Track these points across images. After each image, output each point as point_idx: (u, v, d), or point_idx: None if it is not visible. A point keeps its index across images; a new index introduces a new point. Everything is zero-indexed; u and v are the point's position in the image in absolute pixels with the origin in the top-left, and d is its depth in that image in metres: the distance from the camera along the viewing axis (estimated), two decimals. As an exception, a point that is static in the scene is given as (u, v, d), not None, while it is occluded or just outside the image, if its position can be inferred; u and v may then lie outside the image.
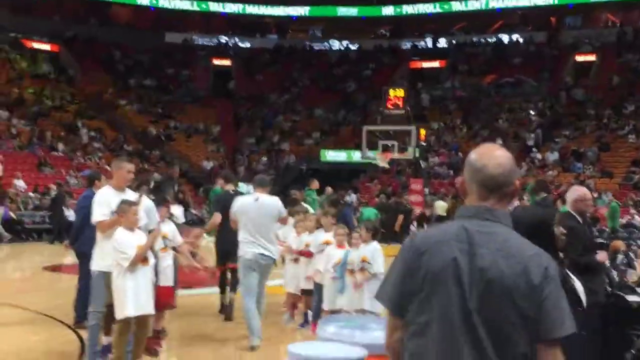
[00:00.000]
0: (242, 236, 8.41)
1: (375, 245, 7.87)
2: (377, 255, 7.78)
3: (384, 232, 22.34)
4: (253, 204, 8.50)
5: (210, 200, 14.92)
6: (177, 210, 10.33)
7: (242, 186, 25.95)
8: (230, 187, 10.39)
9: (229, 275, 9.91)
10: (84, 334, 7.63)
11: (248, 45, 48.29)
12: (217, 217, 9.60)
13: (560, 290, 2.43)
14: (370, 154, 27.32)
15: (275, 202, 8.70)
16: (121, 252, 6.49)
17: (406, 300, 2.54)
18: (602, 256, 6.60)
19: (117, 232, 6.59)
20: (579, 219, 6.63)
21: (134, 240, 6.59)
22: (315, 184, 16.17)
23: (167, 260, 7.80)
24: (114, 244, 6.56)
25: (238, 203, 8.66)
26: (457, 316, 2.42)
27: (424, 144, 29.81)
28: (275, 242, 8.74)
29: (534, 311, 2.37)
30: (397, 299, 2.57)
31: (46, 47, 41.67)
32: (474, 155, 2.62)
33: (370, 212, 21.59)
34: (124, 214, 6.61)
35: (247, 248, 8.34)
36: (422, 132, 28.42)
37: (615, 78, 37.73)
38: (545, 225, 3.59)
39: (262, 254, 8.33)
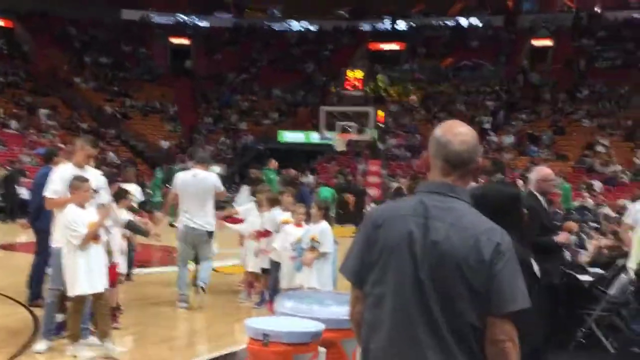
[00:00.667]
0: (180, 209, 9.18)
1: (324, 224, 7.87)
2: (326, 235, 7.79)
3: (341, 213, 22.55)
4: (191, 179, 9.17)
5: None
6: (134, 189, 10.26)
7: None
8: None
9: None
10: (39, 312, 7.54)
11: (207, 24, 47.85)
12: (171, 195, 9.90)
13: (513, 266, 2.45)
14: (328, 135, 27.33)
15: (212, 177, 9.34)
16: (72, 230, 6.43)
17: (365, 273, 2.57)
18: (562, 237, 6.66)
19: (68, 208, 6.52)
20: (541, 199, 6.69)
21: (86, 217, 6.51)
22: (274, 164, 16.22)
23: (114, 236, 7.69)
24: (65, 221, 6.50)
25: (177, 178, 9.35)
26: (409, 287, 2.46)
27: (382, 125, 29.92)
28: (211, 215, 9.19)
29: (482, 285, 2.40)
30: (358, 271, 2.61)
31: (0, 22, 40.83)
32: (439, 131, 2.65)
33: (327, 192, 21.67)
34: (76, 190, 6.53)
35: (181, 220, 9.11)
36: (380, 113, 28.50)
37: (570, 62, 38.23)
38: (515, 201, 3.62)
39: (192, 227, 9.00)
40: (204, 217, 9.09)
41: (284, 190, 9.33)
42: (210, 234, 9.21)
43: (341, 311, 5.23)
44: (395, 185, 25.33)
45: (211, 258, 9.44)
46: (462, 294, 2.41)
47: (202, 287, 9.18)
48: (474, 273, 2.41)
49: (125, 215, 8.17)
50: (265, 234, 9.16)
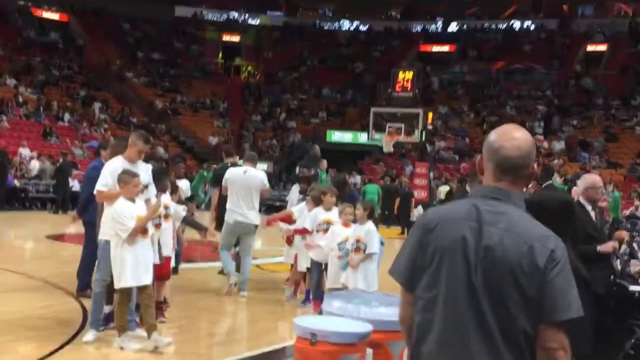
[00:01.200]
0: (228, 203, 9.74)
1: (370, 225, 7.86)
2: (372, 236, 7.78)
3: (386, 214, 22.47)
4: (241, 175, 9.77)
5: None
6: (183, 184, 10.41)
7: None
8: (230, 160, 11.21)
9: None
10: (87, 302, 7.65)
11: (257, 22, 48.12)
12: (215, 195, 10.98)
13: (567, 273, 2.43)
14: (376, 136, 27.26)
15: (260, 175, 10.03)
16: (120, 223, 6.51)
17: (417, 276, 2.56)
18: (606, 246, 6.55)
19: (117, 202, 6.60)
20: (589, 207, 6.58)
21: (134, 211, 6.59)
22: (324, 164, 16.31)
23: (167, 230, 7.76)
24: (114, 214, 6.58)
25: (229, 174, 9.92)
26: (462, 292, 2.45)
27: (430, 127, 29.74)
28: (257, 209, 9.83)
29: (536, 292, 2.38)
30: (409, 275, 2.60)
31: (55, 16, 41.62)
32: (493, 135, 2.63)
33: (373, 188, 21.68)
34: (125, 184, 6.62)
35: (230, 214, 9.69)
36: (430, 115, 28.32)
37: (625, 68, 37.57)
38: (569, 209, 3.57)
39: (240, 221, 9.63)
40: (251, 211, 9.69)
41: (327, 190, 9.31)
42: (255, 227, 9.86)
43: (388, 312, 5.22)
44: (445, 188, 25.18)
45: (251, 253, 10.05)
46: (515, 300, 2.39)
47: (243, 295, 9.58)
48: (527, 279, 2.38)
49: (181, 211, 8.25)
50: (302, 231, 9.15)
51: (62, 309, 8.18)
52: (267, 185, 10.08)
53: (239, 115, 39.99)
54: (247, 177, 9.73)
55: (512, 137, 2.58)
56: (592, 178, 6.90)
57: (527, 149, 2.57)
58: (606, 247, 6.53)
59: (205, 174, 16.73)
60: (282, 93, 41.77)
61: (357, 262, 7.68)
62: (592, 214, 6.63)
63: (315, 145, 22.35)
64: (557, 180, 16.23)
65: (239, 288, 9.61)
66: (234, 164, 10.86)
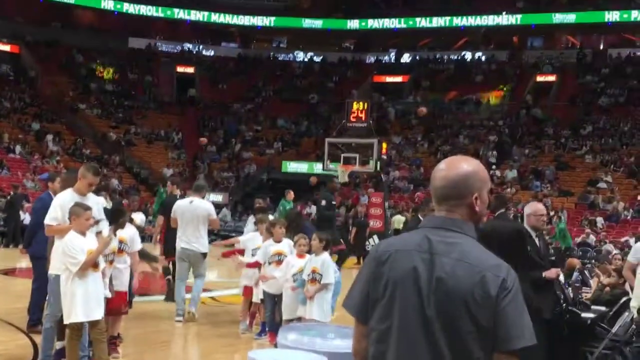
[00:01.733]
0: (177, 232, 10.10)
1: (325, 256, 7.89)
2: (328, 266, 7.79)
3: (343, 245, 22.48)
4: (187, 205, 10.12)
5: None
6: (138, 217, 10.35)
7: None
8: (177, 192, 11.81)
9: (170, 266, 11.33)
10: (38, 338, 7.51)
11: (212, 53, 48.18)
12: (160, 220, 11.49)
13: (519, 302, 2.45)
14: (332, 166, 27.34)
15: (207, 205, 10.29)
16: (70, 257, 6.39)
17: (370, 308, 2.57)
18: (550, 273, 6.67)
19: (68, 235, 6.49)
20: (533, 234, 6.73)
21: (85, 244, 6.47)
22: (291, 195, 16.62)
23: (122, 265, 7.66)
24: (64, 248, 6.46)
25: (176, 205, 10.29)
26: (416, 323, 2.45)
27: (385, 157, 29.95)
28: (204, 238, 10.14)
29: (489, 321, 2.40)
30: (362, 307, 2.60)
31: (6, 47, 41.11)
32: (438, 165, 2.67)
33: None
34: (77, 217, 6.51)
35: (178, 242, 10.06)
36: (384, 145, 28.53)
37: (574, 98, 38.40)
38: (520, 237, 3.62)
39: (185, 248, 9.98)
40: (198, 240, 10.04)
41: (275, 222, 9.33)
42: (203, 255, 10.15)
43: (344, 345, 5.21)
44: (399, 218, 25.33)
45: (204, 275, 10.31)
46: (469, 330, 2.40)
47: (193, 313, 9.91)
48: (480, 309, 2.40)
49: (138, 244, 8.14)
50: (254, 264, 9.13)
51: (13, 345, 8.02)
52: (214, 216, 10.38)
53: (193, 146, 39.82)
54: (193, 207, 10.05)
55: (441, 167, 2.64)
56: (535, 205, 7.07)
57: (455, 179, 2.58)
58: (551, 273, 6.64)
59: (163, 195, 16.73)
60: (237, 124, 41.74)
61: (313, 293, 7.67)
62: (537, 240, 6.77)
63: (334, 178, 22.64)
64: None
65: (188, 309, 9.94)
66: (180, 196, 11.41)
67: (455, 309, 2.41)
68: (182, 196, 11.65)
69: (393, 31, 45.40)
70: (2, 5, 40.22)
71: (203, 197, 10.39)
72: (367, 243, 22.09)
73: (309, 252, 8.11)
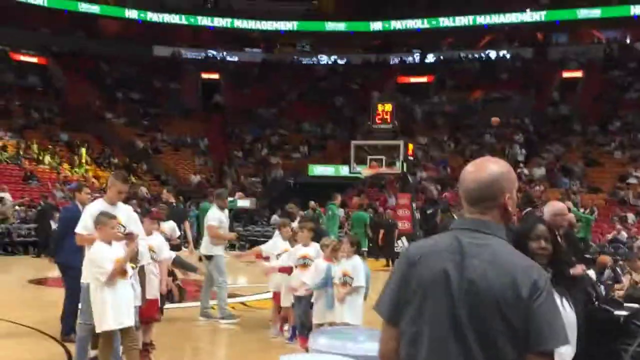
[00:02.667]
0: None
1: (357, 259, 7.89)
2: (359, 270, 7.80)
3: (371, 247, 22.47)
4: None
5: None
6: (168, 225, 10.32)
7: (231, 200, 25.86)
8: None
9: None
10: (72, 347, 7.57)
11: (236, 58, 48.39)
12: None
13: (551, 302, 2.44)
14: (358, 168, 27.33)
15: (209, 213, 10.93)
16: (97, 267, 6.45)
17: (400, 310, 2.56)
18: (577, 270, 6.63)
19: (94, 245, 6.55)
20: (556, 232, 6.68)
21: (112, 253, 6.51)
22: (338, 199, 16.87)
23: (152, 274, 7.71)
24: (91, 257, 6.54)
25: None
26: (447, 325, 2.45)
27: (411, 158, 29.87)
28: (204, 241, 10.77)
29: (522, 323, 2.38)
30: (392, 309, 2.59)
31: (34, 59, 41.63)
32: (466, 167, 2.67)
33: (361, 216, 21.88)
34: (102, 226, 6.56)
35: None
36: (410, 146, 28.45)
37: (601, 94, 38.05)
38: (522, 238, 3.62)
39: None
40: (204, 243, 10.84)
41: (303, 226, 9.32)
42: (207, 257, 10.70)
43: (375, 347, 5.19)
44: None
45: (214, 280, 10.64)
46: (501, 331, 2.39)
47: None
48: (512, 311, 2.39)
49: (168, 252, 8.18)
50: (286, 269, 9.13)
51: (47, 354, 8.10)
52: (209, 221, 10.85)
53: (220, 152, 40.00)
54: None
55: (474, 169, 2.62)
56: (557, 205, 7.04)
57: (486, 181, 2.58)
58: (576, 269, 6.60)
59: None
60: (263, 129, 41.86)
61: (343, 296, 7.68)
62: (560, 240, 6.73)
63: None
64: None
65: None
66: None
67: (487, 311, 2.40)
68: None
69: (416, 32, 45.33)
70: (28, 18, 40.76)
71: (219, 205, 10.97)
72: (396, 245, 22.07)
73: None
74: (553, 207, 6.96)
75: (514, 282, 2.41)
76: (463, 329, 2.42)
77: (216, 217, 10.79)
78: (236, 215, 26.78)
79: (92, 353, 7.03)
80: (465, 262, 2.47)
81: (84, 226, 6.95)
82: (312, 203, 21.62)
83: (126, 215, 7.11)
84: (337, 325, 7.51)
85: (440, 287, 2.48)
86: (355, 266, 7.80)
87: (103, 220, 6.57)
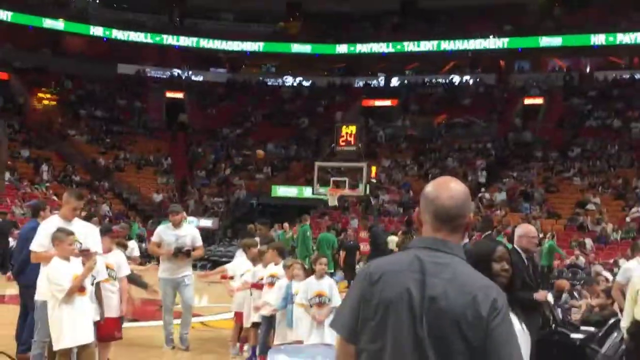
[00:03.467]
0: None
1: (329, 279, 7.92)
2: (334, 289, 7.82)
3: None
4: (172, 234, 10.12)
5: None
6: (131, 243, 10.30)
7: (192, 220, 25.78)
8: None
9: None
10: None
11: (201, 78, 48.33)
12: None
13: (508, 323, 2.47)
14: (321, 190, 27.39)
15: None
16: (55, 284, 6.38)
17: (360, 328, 2.57)
18: (540, 295, 6.71)
19: (52, 262, 6.48)
20: (523, 255, 6.76)
21: (70, 270, 6.45)
22: (307, 220, 16.83)
23: (111, 291, 7.63)
24: (48, 275, 6.45)
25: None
26: (408, 343, 2.46)
27: (374, 181, 30.01)
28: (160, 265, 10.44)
29: (481, 342, 2.41)
30: (352, 326, 2.60)
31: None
32: (429, 187, 2.69)
33: (328, 236, 21.85)
34: (60, 242, 6.50)
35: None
36: (373, 169, 28.62)
37: (561, 121, 38.68)
38: (484, 259, 3.68)
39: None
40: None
41: (271, 246, 9.34)
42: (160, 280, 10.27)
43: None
44: (393, 238, 25.24)
45: (191, 307, 10.31)
46: (461, 351, 2.42)
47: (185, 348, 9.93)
48: (472, 329, 2.41)
49: (126, 269, 8.10)
50: (257, 285, 9.11)
51: (1, 373, 7.96)
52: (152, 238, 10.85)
53: (182, 171, 39.80)
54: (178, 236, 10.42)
55: (447, 187, 2.65)
56: (527, 227, 7.14)
57: (461, 199, 2.63)
58: (540, 295, 6.68)
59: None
60: (227, 149, 41.77)
61: (324, 317, 7.61)
62: (526, 262, 6.82)
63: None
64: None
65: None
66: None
67: (448, 329, 2.43)
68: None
69: (381, 55, 45.66)
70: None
71: (171, 220, 10.36)
72: (357, 266, 22.08)
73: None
74: (521, 229, 7.04)
75: (474, 300, 2.44)
76: (424, 346, 2.44)
77: (158, 232, 10.46)
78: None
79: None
80: (426, 280, 2.50)
81: (39, 244, 6.90)
82: (285, 225, 21.63)
83: (83, 231, 7.06)
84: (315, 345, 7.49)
85: (402, 305, 2.49)
86: (331, 285, 7.83)
87: (60, 236, 6.50)
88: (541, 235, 24.72)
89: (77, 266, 6.54)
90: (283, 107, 45.50)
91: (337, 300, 7.74)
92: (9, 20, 41.42)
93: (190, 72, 48.10)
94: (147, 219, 32.60)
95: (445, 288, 2.47)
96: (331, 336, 7.55)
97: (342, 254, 22.30)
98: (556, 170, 35.06)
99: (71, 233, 6.59)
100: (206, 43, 46.29)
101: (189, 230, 10.38)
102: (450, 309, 2.43)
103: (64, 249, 6.49)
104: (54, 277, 6.38)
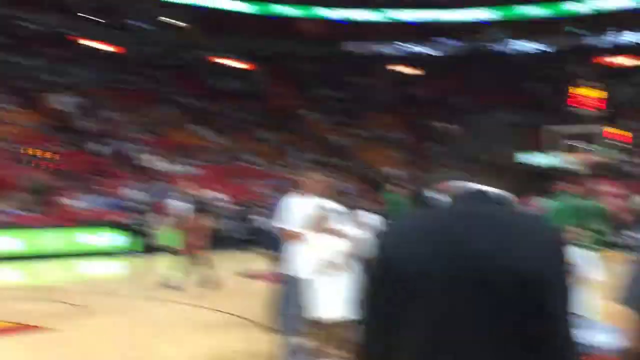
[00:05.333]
0: None
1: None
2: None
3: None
4: None
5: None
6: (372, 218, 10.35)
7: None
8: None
9: None
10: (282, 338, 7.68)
11: (431, 51, 47.98)
12: None
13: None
14: (560, 156, 26.31)
15: None
16: (313, 259, 6.56)
17: None
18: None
19: (313, 238, 6.64)
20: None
21: (324, 246, 6.62)
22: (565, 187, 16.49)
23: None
24: (304, 251, 6.65)
25: None
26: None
27: (624, 144, 28.26)
28: None
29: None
30: None
31: (239, 65, 43.54)
32: None
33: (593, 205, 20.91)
34: (314, 220, 6.65)
35: None
36: (619, 132, 27.01)
37: None
38: None
39: None
40: None
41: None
42: None
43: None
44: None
45: None
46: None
47: None
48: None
49: None
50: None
51: (256, 342, 8.29)
52: None
53: (416, 145, 39.80)
54: None
55: None
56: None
57: None
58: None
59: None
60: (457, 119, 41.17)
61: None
62: None
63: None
64: None
65: None
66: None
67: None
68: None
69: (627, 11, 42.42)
70: (230, 24, 42.62)
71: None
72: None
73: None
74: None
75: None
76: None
77: None
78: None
79: (307, 344, 7.07)
80: None
81: (286, 221, 7.06)
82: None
83: (331, 209, 7.18)
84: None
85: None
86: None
87: (314, 214, 6.70)
88: None
89: (331, 243, 6.68)
90: (517, 74, 43.96)
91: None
92: (248, 11, 43.52)
93: (421, 47, 47.85)
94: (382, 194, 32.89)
95: None
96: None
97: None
98: None
99: (325, 210, 6.78)
100: (433, 14, 45.76)
101: None
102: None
103: (318, 226, 6.69)
104: (309, 252, 6.60)
